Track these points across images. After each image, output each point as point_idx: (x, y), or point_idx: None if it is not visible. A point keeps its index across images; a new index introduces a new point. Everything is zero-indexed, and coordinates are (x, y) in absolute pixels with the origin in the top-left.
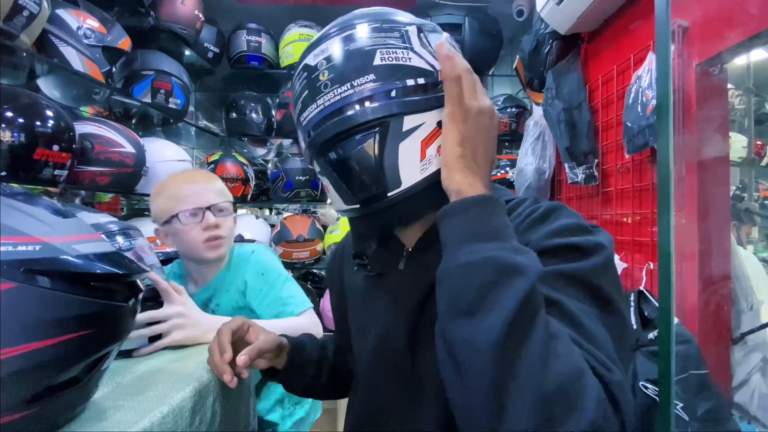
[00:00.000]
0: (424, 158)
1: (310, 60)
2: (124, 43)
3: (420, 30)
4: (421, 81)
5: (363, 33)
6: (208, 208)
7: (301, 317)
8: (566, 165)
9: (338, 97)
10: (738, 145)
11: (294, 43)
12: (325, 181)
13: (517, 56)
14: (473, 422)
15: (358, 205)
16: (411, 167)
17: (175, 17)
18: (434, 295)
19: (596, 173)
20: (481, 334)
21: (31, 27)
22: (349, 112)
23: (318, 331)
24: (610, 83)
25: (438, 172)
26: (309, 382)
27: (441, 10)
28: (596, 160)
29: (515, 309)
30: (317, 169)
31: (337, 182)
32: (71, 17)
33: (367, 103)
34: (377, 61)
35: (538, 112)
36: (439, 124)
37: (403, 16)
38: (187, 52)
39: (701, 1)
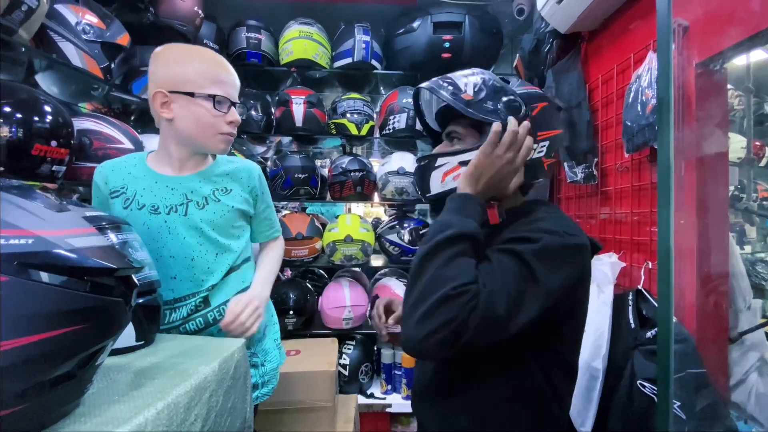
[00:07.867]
0: (443, 181)
1: None
2: (123, 39)
3: None
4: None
5: None
6: (234, 104)
7: (280, 239)
8: (565, 164)
9: None
10: (737, 145)
11: (294, 40)
12: None
13: (517, 55)
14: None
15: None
16: (435, 184)
17: (174, 13)
18: None
19: (595, 172)
20: (420, 251)
21: (30, 22)
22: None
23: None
24: (610, 82)
25: (451, 190)
26: None
27: (441, 9)
28: (595, 159)
29: (435, 242)
30: None
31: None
32: (70, 12)
33: None
34: None
35: None
36: (461, 163)
37: None
38: None
39: (702, 1)
